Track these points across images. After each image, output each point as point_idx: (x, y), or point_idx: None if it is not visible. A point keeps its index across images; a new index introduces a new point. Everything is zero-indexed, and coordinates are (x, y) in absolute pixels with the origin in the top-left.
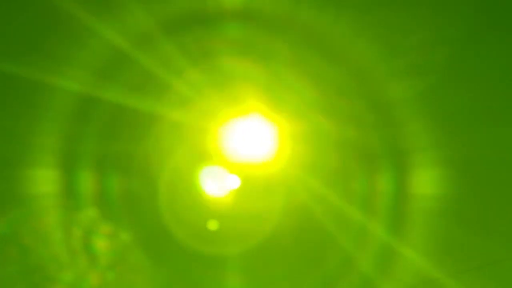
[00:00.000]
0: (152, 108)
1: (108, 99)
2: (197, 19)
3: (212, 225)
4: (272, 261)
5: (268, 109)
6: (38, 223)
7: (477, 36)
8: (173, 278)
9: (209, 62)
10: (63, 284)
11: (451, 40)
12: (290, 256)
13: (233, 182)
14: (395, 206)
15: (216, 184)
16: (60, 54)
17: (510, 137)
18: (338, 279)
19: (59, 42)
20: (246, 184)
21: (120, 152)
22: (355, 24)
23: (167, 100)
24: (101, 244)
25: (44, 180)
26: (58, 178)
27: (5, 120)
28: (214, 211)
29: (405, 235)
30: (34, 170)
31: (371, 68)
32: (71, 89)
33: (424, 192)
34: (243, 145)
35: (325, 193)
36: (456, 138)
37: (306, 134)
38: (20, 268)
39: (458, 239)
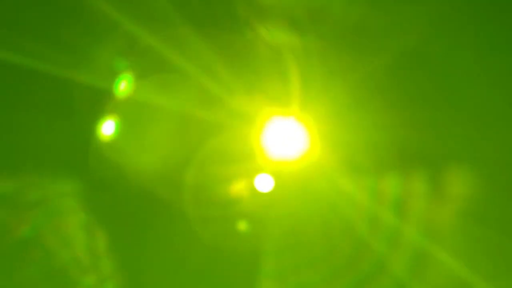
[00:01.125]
0: (181, 107)
1: (137, 98)
2: (229, 16)
3: (242, 225)
4: (302, 263)
5: (301, 108)
6: (61, 225)
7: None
8: (200, 279)
9: (241, 60)
10: None
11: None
12: (321, 258)
13: (265, 183)
14: (429, 208)
15: (248, 184)
16: (78, 48)
17: None
18: (370, 282)
19: (76, 34)
20: (277, 185)
21: (148, 151)
22: (388, 16)
23: (197, 98)
24: (118, 250)
25: (65, 180)
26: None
27: (23, 116)
28: (245, 211)
29: (439, 238)
30: (55, 169)
31: (407, 64)
32: (87, 84)
33: (459, 194)
34: (275, 145)
35: (357, 194)
36: (493, 138)
37: (338, 134)
38: (42, 271)
39: (493, 242)
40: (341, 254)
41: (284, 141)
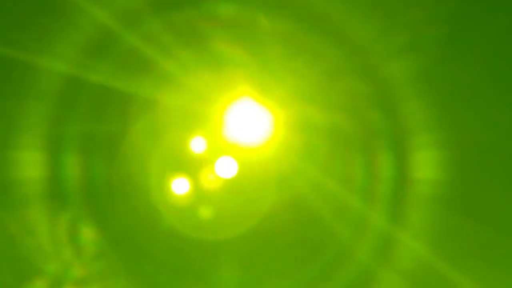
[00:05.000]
0: (141, 91)
1: (97, 81)
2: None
3: (205, 212)
4: (267, 250)
5: (262, 93)
6: (23, 212)
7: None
8: (164, 266)
9: (202, 43)
10: (48, 275)
11: (448, 16)
12: (285, 244)
13: (227, 168)
14: (394, 192)
15: (208, 170)
16: (45, 32)
17: None
18: (336, 267)
19: (44, 20)
20: (239, 170)
21: (109, 136)
22: (350, 2)
23: (157, 82)
24: (87, 233)
25: (29, 165)
26: (44, 162)
27: None
28: (207, 197)
29: (404, 222)
30: (19, 153)
31: (366, 48)
32: (57, 69)
33: (424, 177)
34: (236, 131)
35: (321, 179)
36: (457, 120)
37: (300, 118)
38: (4, 259)
39: (458, 225)
40: (307, 241)
41: (245, 127)
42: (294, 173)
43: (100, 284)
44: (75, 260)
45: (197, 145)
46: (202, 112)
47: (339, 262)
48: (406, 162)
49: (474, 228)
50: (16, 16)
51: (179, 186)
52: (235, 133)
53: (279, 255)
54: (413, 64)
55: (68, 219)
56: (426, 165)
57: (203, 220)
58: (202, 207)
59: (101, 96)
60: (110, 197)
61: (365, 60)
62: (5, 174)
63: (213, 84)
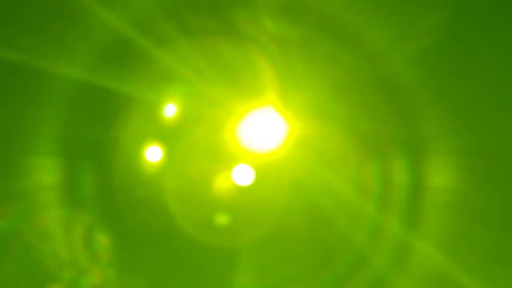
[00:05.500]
0: (158, 97)
1: (112, 87)
2: (207, 6)
3: (221, 218)
4: (282, 256)
5: (278, 99)
6: (39, 219)
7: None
8: (180, 272)
9: (218, 50)
10: (64, 282)
11: (464, 23)
12: (301, 251)
13: (244, 175)
14: (409, 199)
15: (225, 176)
16: (59, 39)
17: None
18: (352, 274)
19: (58, 26)
20: (256, 177)
21: (124, 142)
22: (370, 11)
23: (173, 89)
24: (102, 240)
25: (45, 172)
26: (60, 169)
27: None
28: (223, 204)
29: (420, 229)
30: (34, 159)
31: (382, 55)
32: (71, 75)
33: (439, 184)
34: (252, 138)
35: (337, 186)
36: (473, 126)
37: (317, 124)
38: (20, 266)
39: (474, 232)
40: (322, 247)
41: (263, 133)
42: (310, 180)
43: None
44: (91, 267)
45: (212, 152)
46: (218, 119)
47: (354, 269)
48: (421, 169)
49: (490, 235)
50: (29, 21)
51: (195, 192)
52: (251, 140)
53: (294, 262)
54: (429, 70)
55: (84, 226)
56: (442, 172)
57: (219, 227)
58: (218, 213)
59: (116, 103)
60: (126, 203)
61: (381, 67)
62: (21, 180)
63: (228, 91)
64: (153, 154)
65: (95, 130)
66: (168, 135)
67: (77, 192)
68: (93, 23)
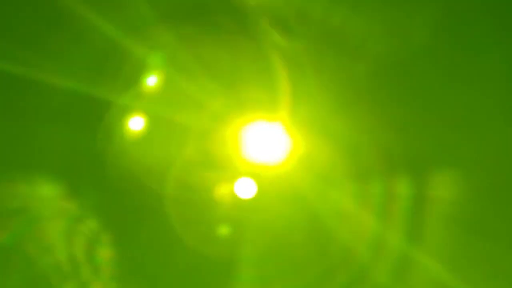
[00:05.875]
0: (158, 110)
1: (109, 99)
2: (207, 15)
3: (222, 229)
4: (284, 269)
5: (282, 112)
6: (41, 232)
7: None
8: (181, 284)
9: (218, 62)
10: None
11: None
12: (302, 264)
13: (247, 188)
14: (411, 212)
15: (227, 189)
16: (56, 51)
17: None
18: (353, 287)
19: (55, 38)
20: (259, 189)
21: (123, 155)
22: (370, 22)
23: (174, 101)
24: (105, 253)
25: (46, 186)
26: (60, 183)
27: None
28: (225, 215)
29: (422, 243)
30: (35, 174)
31: (385, 69)
32: (70, 88)
33: (442, 197)
34: (257, 150)
35: (340, 199)
36: (476, 139)
37: (319, 137)
38: (21, 279)
39: (476, 246)
40: (323, 260)
41: (266, 146)
42: (311, 193)
43: None
44: (93, 280)
45: (216, 165)
46: (220, 131)
47: (356, 282)
48: (424, 181)
49: (493, 249)
50: (21, 33)
51: (198, 206)
52: (253, 153)
53: (295, 275)
54: (431, 84)
55: (86, 238)
56: (444, 184)
57: (221, 239)
58: (220, 226)
59: (115, 114)
60: (128, 215)
61: (385, 81)
62: (22, 192)
63: (231, 103)
64: (155, 165)
65: (94, 141)
66: (169, 147)
67: (78, 205)
68: (88, 33)
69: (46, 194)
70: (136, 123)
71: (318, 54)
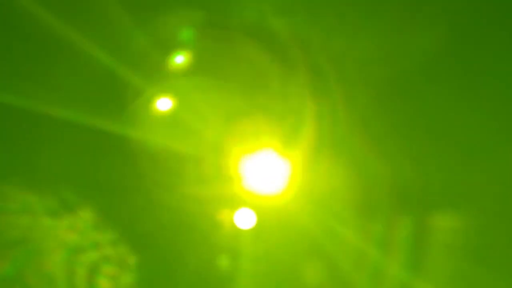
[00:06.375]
0: (158, 141)
1: (107, 129)
2: (203, 44)
3: (222, 261)
4: None
5: (281, 142)
6: (42, 262)
7: None
8: None
9: (217, 91)
10: None
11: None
12: None
13: (246, 218)
14: (413, 244)
15: (226, 219)
16: (53, 81)
17: None
18: None
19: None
20: (258, 220)
21: (124, 185)
22: (371, 48)
23: (174, 131)
24: (104, 284)
25: (46, 214)
26: (60, 212)
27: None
28: (224, 246)
29: (422, 272)
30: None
31: (392, 103)
32: (65, 118)
33: (442, 230)
34: (254, 180)
35: (340, 230)
36: (476, 171)
37: (320, 169)
38: None
39: (477, 275)
40: None
41: (266, 176)
42: (312, 223)
43: None
44: None
45: (214, 195)
46: (218, 161)
47: None
48: (425, 212)
49: (494, 278)
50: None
51: (196, 237)
52: (253, 183)
53: None
54: (433, 111)
55: (86, 269)
56: (445, 213)
57: (221, 270)
58: (220, 256)
59: (115, 144)
60: (127, 247)
61: (386, 109)
62: (22, 222)
63: (229, 133)
64: (153, 195)
65: (91, 171)
66: (168, 176)
67: (79, 235)
68: (87, 64)
69: (47, 225)
70: (133, 153)
71: (317, 86)
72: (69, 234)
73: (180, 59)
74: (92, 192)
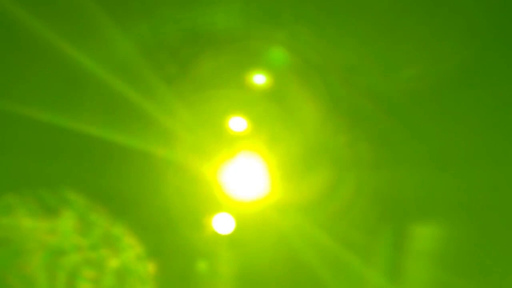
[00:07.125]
0: (140, 145)
1: (97, 136)
2: (188, 51)
3: (201, 268)
4: None
5: (263, 147)
6: (23, 265)
7: None
8: None
9: (200, 96)
10: None
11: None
12: None
13: (225, 224)
14: (393, 252)
15: (207, 224)
16: (47, 90)
17: None
18: None
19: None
20: (237, 225)
21: (110, 191)
22: (360, 54)
23: (155, 136)
24: (84, 287)
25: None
26: (47, 218)
27: None
28: (204, 251)
29: (403, 282)
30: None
31: (373, 106)
32: (60, 126)
33: (423, 238)
34: (235, 185)
35: (319, 237)
36: (459, 181)
37: (301, 176)
38: None
39: (459, 285)
40: None
41: (246, 181)
42: (291, 230)
43: None
44: None
45: (194, 200)
46: (199, 167)
47: None
48: (404, 219)
49: (472, 287)
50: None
51: (175, 241)
52: (233, 189)
53: None
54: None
55: (67, 272)
56: (425, 222)
57: (200, 277)
58: (198, 263)
59: (92, 147)
60: (107, 251)
61: (369, 118)
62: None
63: (211, 139)
64: (133, 199)
65: (82, 178)
66: (149, 180)
67: (62, 238)
68: (80, 74)
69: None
70: (125, 162)
71: (296, 91)
72: (50, 236)
73: (164, 65)
74: (73, 194)
